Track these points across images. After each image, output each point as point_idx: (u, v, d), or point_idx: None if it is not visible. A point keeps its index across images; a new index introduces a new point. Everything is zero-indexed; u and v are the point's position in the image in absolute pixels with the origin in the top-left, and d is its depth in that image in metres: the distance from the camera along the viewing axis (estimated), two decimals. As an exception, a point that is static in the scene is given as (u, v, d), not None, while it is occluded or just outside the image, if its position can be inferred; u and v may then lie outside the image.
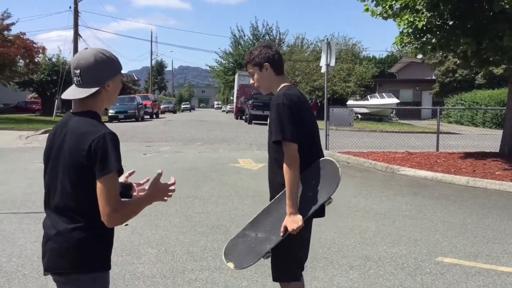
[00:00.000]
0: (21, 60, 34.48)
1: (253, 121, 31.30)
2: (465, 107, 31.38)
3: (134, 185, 2.57)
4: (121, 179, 2.42)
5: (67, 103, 37.83)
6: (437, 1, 10.30)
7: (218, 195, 8.06)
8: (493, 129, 26.62)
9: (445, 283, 4.45)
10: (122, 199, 2.19)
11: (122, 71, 2.39)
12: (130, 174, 2.58)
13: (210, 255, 5.12)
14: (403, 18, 10.99)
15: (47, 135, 2.41)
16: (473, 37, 10.68)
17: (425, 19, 10.55)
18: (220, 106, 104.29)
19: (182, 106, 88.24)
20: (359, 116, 34.62)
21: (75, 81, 2.23)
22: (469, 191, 9.07)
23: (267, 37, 57.72)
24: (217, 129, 26.12)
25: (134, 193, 2.54)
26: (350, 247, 5.47)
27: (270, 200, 3.04)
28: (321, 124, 19.81)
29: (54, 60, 40.95)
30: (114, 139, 2.12)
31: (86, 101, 2.23)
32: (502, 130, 13.30)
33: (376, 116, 34.34)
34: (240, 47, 58.87)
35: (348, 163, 12.60)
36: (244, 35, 59.38)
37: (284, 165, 2.83)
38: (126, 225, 2.88)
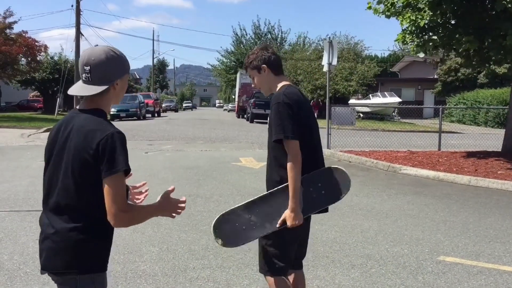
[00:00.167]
0: (23, 59, 34.54)
1: (255, 120, 31.29)
2: (467, 106, 31.33)
3: (130, 187, 2.54)
4: None
5: (69, 102, 37.92)
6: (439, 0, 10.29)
7: (219, 194, 8.06)
8: (495, 129, 26.58)
9: (447, 282, 4.44)
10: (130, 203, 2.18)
11: None
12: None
13: (211, 253, 5.12)
14: (406, 17, 10.98)
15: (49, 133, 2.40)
16: (475, 35, 10.65)
17: (428, 18, 10.53)
18: (221, 104, 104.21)
19: (184, 105, 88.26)
20: (361, 115, 34.55)
21: (83, 78, 2.20)
22: (471, 190, 9.05)
23: (269, 35, 57.71)
24: (219, 127, 26.12)
25: (130, 196, 2.50)
26: (352, 246, 5.46)
27: None
28: (323, 123, 19.78)
29: (56, 58, 41.02)
30: (122, 139, 2.11)
31: (94, 99, 2.22)
32: (504, 130, 13.27)
33: (378, 115, 34.31)
34: (242, 45, 58.85)
35: (350, 162, 12.58)
36: (246, 34, 59.39)
37: (288, 163, 2.87)
38: None
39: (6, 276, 4.38)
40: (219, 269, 4.66)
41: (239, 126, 27.53)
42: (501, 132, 15.00)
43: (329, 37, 16.94)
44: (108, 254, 2.27)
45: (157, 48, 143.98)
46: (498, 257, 5.19)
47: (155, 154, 13.57)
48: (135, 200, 2.55)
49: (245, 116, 37.38)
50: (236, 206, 3.06)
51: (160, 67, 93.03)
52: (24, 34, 33.35)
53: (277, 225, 2.93)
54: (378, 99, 35.75)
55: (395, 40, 12.32)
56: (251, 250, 4.83)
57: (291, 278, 3.20)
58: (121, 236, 5.32)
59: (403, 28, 11.55)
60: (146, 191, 2.69)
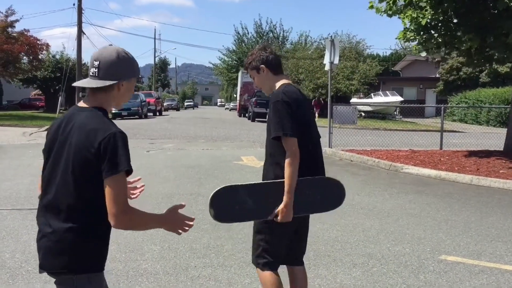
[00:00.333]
0: (25, 57, 34.57)
1: (256, 119, 31.28)
2: (469, 105, 31.28)
3: None
4: None
5: (70, 100, 37.89)
6: (441, -2, 10.28)
7: (221, 193, 8.04)
8: (497, 128, 26.55)
9: (449, 281, 4.44)
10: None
11: None
12: None
13: (213, 252, 5.12)
14: (407, 14, 10.96)
15: (49, 129, 2.39)
16: (476, 33, 10.63)
17: (429, 16, 10.51)
18: (223, 103, 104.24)
19: (185, 104, 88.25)
20: (363, 114, 34.56)
21: (91, 73, 2.22)
22: (473, 189, 9.04)
23: (270, 34, 57.65)
24: (220, 126, 26.13)
25: None
26: (354, 245, 5.46)
27: None
28: (324, 122, 19.76)
29: (57, 57, 41.03)
30: (124, 139, 2.11)
31: (97, 96, 2.22)
32: (506, 129, 13.25)
33: (379, 114, 34.28)
34: (243, 44, 58.81)
35: (352, 161, 12.58)
36: (248, 33, 59.34)
37: (286, 159, 2.93)
38: None
39: (8, 274, 4.39)
40: (220, 268, 4.66)
41: (241, 125, 27.53)
42: (503, 131, 14.99)
43: (331, 36, 16.96)
44: (106, 253, 2.25)
45: (159, 47, 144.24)
46: (499, 256, 5.18)
47: (156, 152, 13.57)
48: (130, 195, 2.54)
49: (246, 115, 37.38)
50: (240, 184, 3.09)
51: (162, 65, 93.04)
52: (26, 33, 33.36)
53: (269, 217, 2.99)
54: (379, 98, 35.71)
55: (397, 38, 12.31)
56: (252, 248, 4.83)
57: (290, 273, 3.26)
58: (122, 234, 5.32)
59: (405, 27, 11.54)
60: (141, 186, 2.68)
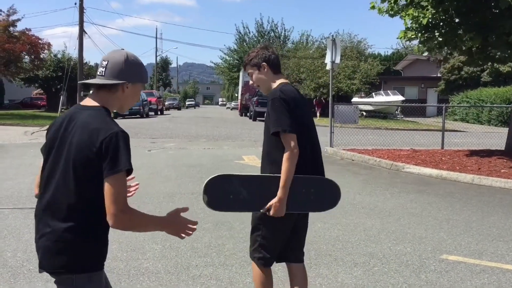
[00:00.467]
0: (26, 56, 34.62)
1: (258, 118, 31.27)
2: (470, 105, 31.25)
3: None
4: None
5: (72, 99, 37.91)
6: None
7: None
8: (498, 127, 26.52)
9: (450, 281, 4.44)
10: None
11: None
12: None
13: (214, 251, 5.12)
14: (408, 13, 10.95)
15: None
16: (478, 32, 10.62)
17: (429, 15, 10.50)
18: (224, 103, 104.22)
19: (187, 103, 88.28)
20: (364, 113, 34.54)
21: (98, 72, 2.25)
22: (474, 189, 9.04)
23: (272, 34, 57.58)
24: (222, 126, 26.14)
25: None
26: (355, 244, 5.46)
27: None
28: (326, 121, 19.74)
29: (59, 56, 41.09)
30: (126, 138, 2.11)
31: (101, 95, 2.23)
32: (508, 128, 13.24)
33: (381, 114, 34.26)
34: (245, 44, 58.75)
35: (353, 160, 12.57)
36: (249, 32, 59.26)
37: (284, 154, 2.95)
38: None
39: (10, 273, 4.40)
40: (222, 267, 4.67)
41: (242, 124, 27.54)
42: (504, 131, 14.97)
43: (332, 36, 16.94)
44: (106, 252, 2.25)
45: (160, 46, 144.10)
46: (501, 255, 5.18)
47: (158, 152, 13.58)
48: None
49: (248, 114, 37.37)
50: (236, 174, 3.15)
51: (163, 65, 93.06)
52: (27, 32, 33.39)
53: (262, 210, 3.03)
54: (381, 98, 35.71)
55: (398, 38, 12.30)
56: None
57: (290, 271, 3.30)
58: (124, 234, 5.33)
59: (406, 27, 11.53)
60: (136, 184, 2.68)
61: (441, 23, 11.13)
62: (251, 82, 3.31)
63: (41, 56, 35.70)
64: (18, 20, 32.78)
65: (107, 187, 2.05)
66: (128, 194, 2.53)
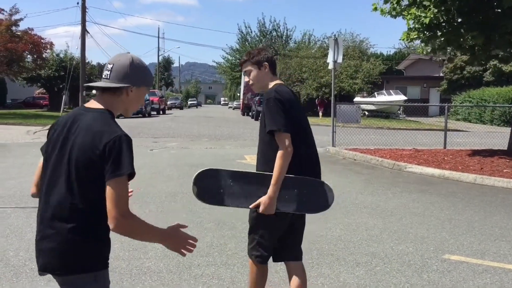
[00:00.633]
0: (29, 56, 34.65)
1: (260, 118, 31.30)
2: (473, 105, 31.20)
3: None
4: None
5: (74, 99, 38.00)
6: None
7: (224, 191, 8.04)
8: (501, 127, 26.47)
9: (452, 281, 4.43)
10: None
11: None
12: None
13: (216, 250, 5.12)
14: (410, 12, 10.94)
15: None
16: (480, 31, 10.60)
17: (431, 15, 10.48)
18: (226, 102, 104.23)
19: (189, 102, 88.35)
20: (366, 113, 34.48)
21: (103, 75, 2.25)
22: (477, 188, 9.02)
23: (274, 33, 57.53)
24: (224, 125, 26.15)
25: None
26: (357, 244, 5.45)
27: None
28: (328, 121, 19.70)
29: (61, 55, 41.12)
30: (129, 142, 2.11)
31: (105, 98, 2.24)
32: (510, 128, 13.22)
33: (383, 113, 34.20)
34: (247, 43, 58.71)
35: (355, 160, 12.56)
36: (251, 32, 59.24)
37: (278, 152, 2.99)
38: None
39: (12, 272, 4.40)
40: (223, 266, 4.67)
41: (244, 124, 27.55)
42: (507, 131, 14.94)
43: (335, 35, 16.93)
44: (109, 251, 2.26)
45: (162, 46, 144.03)
46: (503, 255, 5.17)
47: (160, 151, 13.59)
48: None
49: (250, 113, 37.38)
50: (227, 169, 3.20)
51: (165, 64, 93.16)
52: (30, 31, 33.43)
53: (250, 206, 3.08)
54: (383, 97, 35.65)
55: (401, 39, 12.30)
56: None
57: (288, 269, 3.34)
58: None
59: (408, 27, 11.51)
60: (131, 191, 2.67)
61: (443, 23, 11.11)
62: (246, 79, 3.34)
63: (44, 56, 35.72)
64: (21, 19, 32.85)
65: (109, 190, 2.05)
66: None
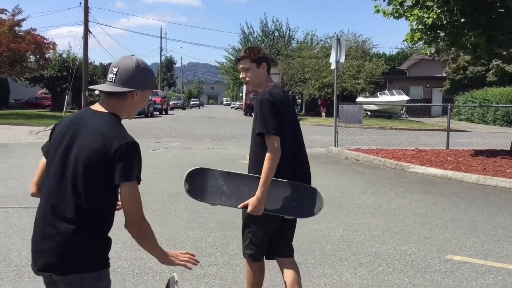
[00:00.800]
0: (31, 56, 34.69)
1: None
2: (476, 105, 31.14)
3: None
4: None
5: (77, 99, 38.02)
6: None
7: (227, 191, 8.04)
8: (504, 127, 26.43)
9: (455, 281, 4.42)
10: None
11: None
12: None
13: (218, 251, 5.12)
14: (413, 13, 10.93)
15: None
16: (482, 30, 10.58)
17: (434, 16, 10.46)
18: (229, 102, 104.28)
19: (191, 103, 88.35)
20: (369, 113, 34.45)
21: (108, 78, 2.26)
22: (480, 189, 9.01)
23: (276, 33, 57.49)
24: (226, 125, 26.16)
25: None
26: (359, 244, 5.45)
27: None
28: (330, 121, 19.68)
29: (64, 56, 41.16)
30: (138, 148, 2.18)
31: (111, 102, 2.25)
32: (513, 128, 13.18)
33: (386, 113, 34.17)
34: (249, 43, 58.63)
35: (358, 160, 12.55)
36: (254, 32, 59.20)
37: (266, 155, 3.05)
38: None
39: (15, 272, 4.41)
40: (226, 267, 4.67)
41: (246, 124, 27.54)
42: (509, 131, 14.92)
43: (337, 35, 16.90)
44: (109, 250, 2.28)
45: (165, 46, 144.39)
46: (506, 256, 5.16)
47: (162, 151, 13.60)
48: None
49: (252, 114, 37.33)
50: (218, 169, 3.29)
51: (168, 64, 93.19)
52: (32, 32, 33.47)
53: (239, 206, 3.15)
54: (386, 97, 35.62)
55: (404, 41, 12.30)
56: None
57: (280, 266, 3.40)
58: (128, 233, 5.33)
59: (412, 29, 11.50)
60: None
61: (446, 24, 11.09)
62: (242, 75, 3.35)
63: (46, 56, 35.78)
64: (24, 19, 32.89)
65: (127, 192, 2.13)
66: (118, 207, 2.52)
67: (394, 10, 11.55)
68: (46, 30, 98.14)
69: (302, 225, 5.36)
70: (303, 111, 44.13)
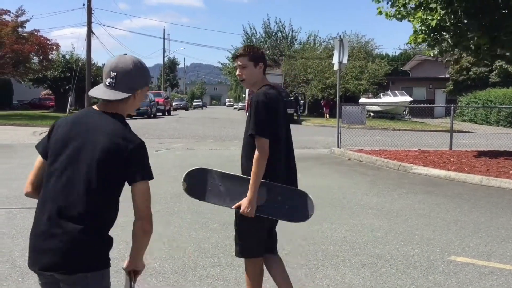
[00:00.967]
0: (35, 57, 34.82)
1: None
2: (479, 106, 31.07)
3: None
4: None
5: (80, 100, 38.10)
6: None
7: (229, 192, 8.04)
8: (507, 128, 26.37)
9: (458, 282, 4.41)
10: None
11: None
12: None
13: (221, 251, 5.12)
14: (416, 16, 10.92)
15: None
16: (485, 31, 10.55)
17: (438, 17, 10.45)
18: (232, 103, 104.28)
19: (194, 104, 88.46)
20: (372, 114, 34.41)
21: (107, 82, 2.27)
22: (483, 190, 8.98)
23: (279, 34, 57.48)
24: (229, 126, 26.16)
25: None
26: (362, 245, 5.44)
27: None
28: (333, 122, 19.66)
29: (67, 57, 41.31)
30: (146, 148, 2.27)
31: (114, 104, 2.28)
32: (517, 129, 13.14)
33: (388, 114, 34.12)
34: (252, 44, 58.70)
35: (360, 161, 12.54)
36: (256, 33, 59.19)
37: (255, 156, 3.13)
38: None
39: (18, 273, 4.42)
40: (229, 267, 4.67)
41: (249, 125, 27.49)
42: (513, 132, 14.85)
43: (340, 36, 16.92)
44: (110, 250, 2.30)
45: (168, 47, 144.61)
46: (510, 257, 5.14)
47: (165, 152, 13.61)
48: None
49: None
50: (216, 170, 3.41)
51: (171, 65, 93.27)
52: (36, 33, 33.60)
53: (232, 207, 3.24)
54: (388, 98, 35.57)
55: (408, 43, 12.27)
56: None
57: (267, 262, 3.45)
58: (131, 233, 5.34)
59: (415, 31, 11.48)
60: None
61: (450, 26, 11.08)
62: (238, 72, 3.38)
63: (50, 57, 35.90)
64: (27, 21, 33.02)
65: (140, 191, 2.20)
66: None
67: (397, 12, 11.54)
68: (49, 31, 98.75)
69: (305, 226, 5.36)
70: (306, 112, 44.11)
